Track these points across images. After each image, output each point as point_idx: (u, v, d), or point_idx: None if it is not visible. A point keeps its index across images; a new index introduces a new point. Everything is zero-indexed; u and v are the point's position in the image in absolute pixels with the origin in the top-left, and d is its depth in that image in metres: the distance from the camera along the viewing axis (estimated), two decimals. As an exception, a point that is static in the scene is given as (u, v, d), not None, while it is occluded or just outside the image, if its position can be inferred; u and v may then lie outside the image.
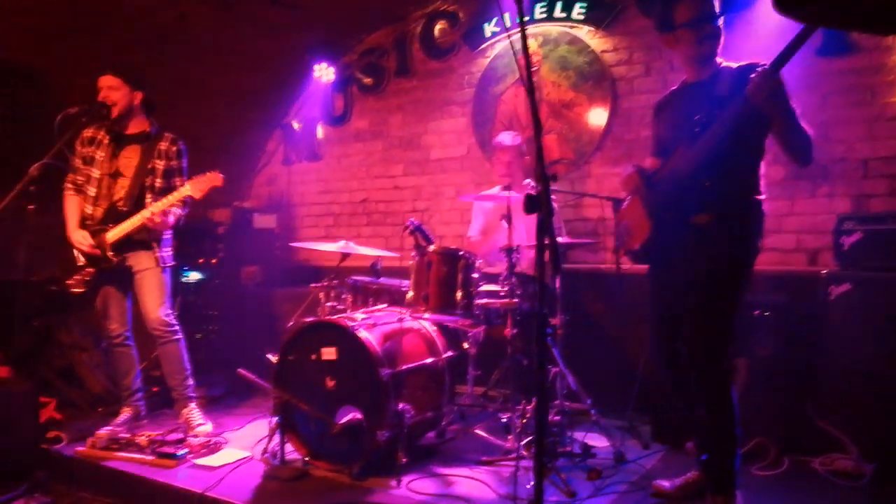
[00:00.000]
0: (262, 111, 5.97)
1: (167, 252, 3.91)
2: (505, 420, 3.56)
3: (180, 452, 3.36)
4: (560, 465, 3.11)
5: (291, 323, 3.75)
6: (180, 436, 3.53)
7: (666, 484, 2.86)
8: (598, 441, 3.45)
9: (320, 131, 6.08)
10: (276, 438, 3.29)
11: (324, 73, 5.62)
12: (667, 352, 2.77)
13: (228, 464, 3.31)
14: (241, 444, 3.60)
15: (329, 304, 3.83)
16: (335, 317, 3.41)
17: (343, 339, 3.21)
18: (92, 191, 3.79)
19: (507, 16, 4.82)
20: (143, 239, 3.78)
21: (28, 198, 3.26)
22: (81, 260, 3.77)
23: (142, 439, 3.48)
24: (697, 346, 2.59)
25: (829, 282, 3.26)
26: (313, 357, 3.26)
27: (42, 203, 3.27)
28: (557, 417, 3.43)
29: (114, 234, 3.70)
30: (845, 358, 3.17)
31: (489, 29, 5.07)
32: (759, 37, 3.61)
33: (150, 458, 3.36)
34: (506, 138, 4.33)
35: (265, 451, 3.37)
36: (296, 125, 6.13)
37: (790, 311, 3.39)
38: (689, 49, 2.67)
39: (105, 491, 3.32)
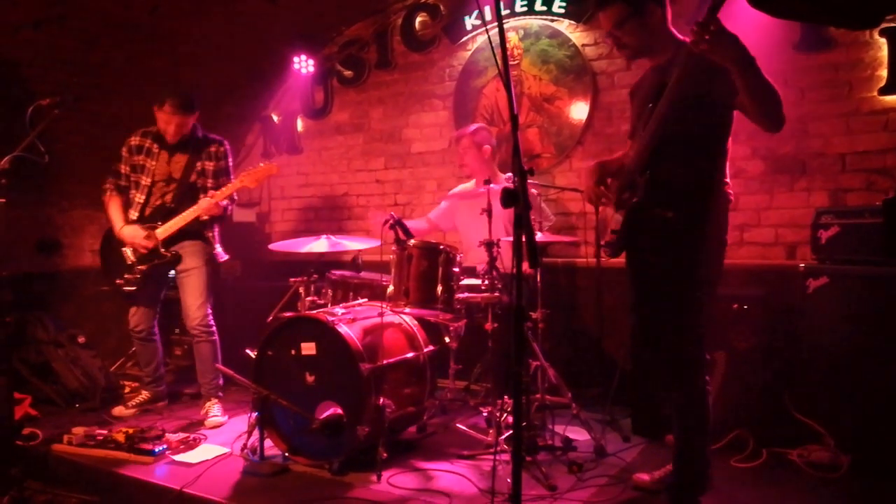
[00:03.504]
0: (241, 104, 5.90)
1: (219, 248, 4.11)
2: (486, 414, 3.56)
3: (158, 448, 3.32)
4: (541, 458, 3.11)
5: (271, 318, 3.73)
6: (158, 432, 3.50)
7: (646, 477, 2.87)
8: (578, 434, 3.46)
9: (300, 124, 6.03)
10: (256, 434, 3.26)
11: (303, 65, 5.56)
12: (641, 341, 2.76)
13: (207, 460, 3.28)
14: (220, 440, 3.57)
15: (309, 298, 3.81)
16: (315, 311, 3.38)
17: (323, 334, 3.19)
18: (140, 197, 3.96)
19: (487, 9, 4.79)
20: (196, 230, 3.95)
21: (-1, 191, 3.20)
22: (131, 258, 3.90)
23: (119, 435, 3.44)
24: (660, 335, 2.58)
25: (807, 275, 3.28)
26: (293, 352, 3.24)
27: (13, 197, 3.21)
28: (538, 412, 3.43)
29: (164, 229, 3.87)
30: (823, 350, 3.20)
31: (470, 22, 5.05)
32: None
33: (127, 454, 3.32)
34: (466, 128, 4.34)
35: (244, 446, 3.34)
36: (275, 118, 6.07)
37: (768, 305, 3.42)
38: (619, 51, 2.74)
39: (82, 488, 3.28)
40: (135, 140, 4.01)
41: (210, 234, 4.06)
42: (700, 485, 2.60)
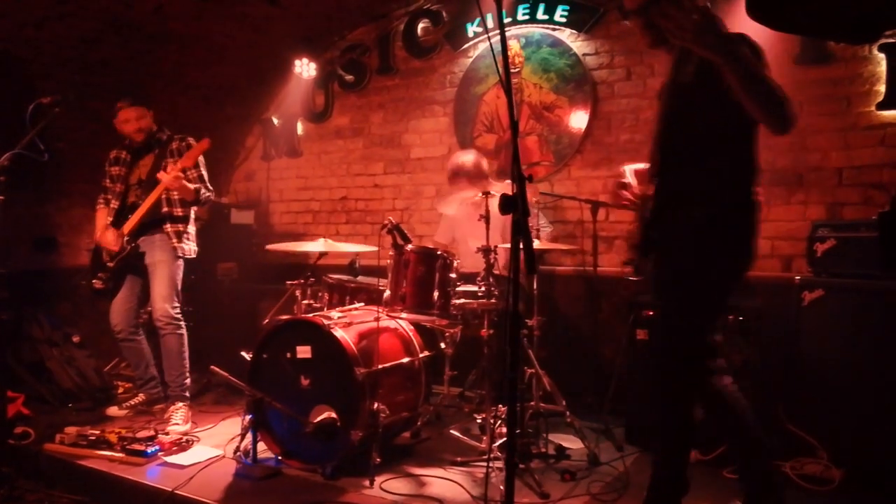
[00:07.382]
0: (242, 106, 5.91)
1: (188, 245, 4.05)
2: (480, 421, 3.55)
3: (150, 450, 3.31)
4: (534, 466, 3.11)
5: (267, 320, 3.72)
6: (151, 433, 3.49)
7: None
8: (572, 443, 3.46)
9: (300, 127, 6.04)
10: (249, 437, 3.25)
11: (305, 68, 5.57)
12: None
13: (200, 462, 3.27)
14: (214, 442, 3.57)
15: (305, 301, 3.81)
16: (311, 315, 3.38)
17: (318, 338, 3.19)
18: (115, 203, 4.05)
19: (489, 16, 4.81)
20: (160, 218, 3.94)
21: (-2, 188, 3.20)
22: (106, 257, 3.98)
23: (111, 435, 3.43)
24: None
25: (803, 288, 3.29)
26: (288, 355, 3.24)
27: (12, 194, 3.21)
28: (532, 419, 3.43)
29: (129, 223, 3.91)
30: (817, 363, 3.21)
31: (472, 29, 5.07)
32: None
33: (119, 455, 3.31)
34: (457, 159, 4.25)
35: (237, 449, 3.33)
36: (276, 120, 6.08)
37: (763, 316, 3.42)
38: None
39: (73, 488, 3.27)
40: (113, 153, 4.15)
41: (181, 229, 3.99)
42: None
